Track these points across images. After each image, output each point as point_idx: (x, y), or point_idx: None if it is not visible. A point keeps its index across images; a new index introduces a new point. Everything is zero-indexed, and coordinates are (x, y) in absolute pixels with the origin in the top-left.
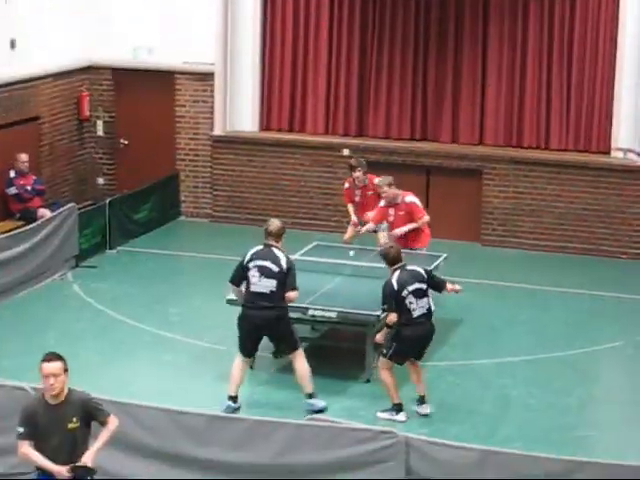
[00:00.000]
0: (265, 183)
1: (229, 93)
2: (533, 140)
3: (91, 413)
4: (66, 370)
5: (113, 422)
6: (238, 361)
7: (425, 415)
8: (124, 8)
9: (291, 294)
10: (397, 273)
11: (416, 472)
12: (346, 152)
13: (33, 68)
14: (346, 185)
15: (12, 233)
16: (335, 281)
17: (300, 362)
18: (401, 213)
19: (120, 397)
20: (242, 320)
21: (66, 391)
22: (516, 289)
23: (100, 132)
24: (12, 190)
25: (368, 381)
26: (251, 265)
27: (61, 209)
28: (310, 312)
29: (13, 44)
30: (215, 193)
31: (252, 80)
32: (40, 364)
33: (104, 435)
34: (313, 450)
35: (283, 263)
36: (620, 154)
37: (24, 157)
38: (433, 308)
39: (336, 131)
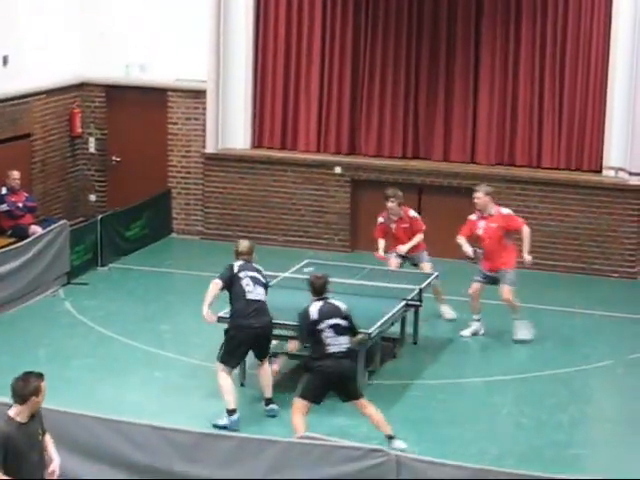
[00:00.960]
0: (257, 200)
1: (221, 111)
2: (525, 159)
3: (42, 423)
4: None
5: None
6: (225, 373)
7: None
8: (117, 25)
9: None
10: (319, 304)
11: None
12: (338, 170)
13: (25, 85)
14: (380, 220)
15: (3, 250)
16: None
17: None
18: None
19: (111, 414)
20: (237, 330)
21: None
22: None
23: (92, 149)
24: (3, 207)
25: None
26: (242, 275)
27: (53, 226)
28: None
29: (5, 60)
30: (207, 210)
31: (244, 98)
32: (40, 383)
33: (51, 444)
34: (303, 468)
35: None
36: (612, 173)
37: (16, 174)
38: (350, 347)
39: (328, 149)
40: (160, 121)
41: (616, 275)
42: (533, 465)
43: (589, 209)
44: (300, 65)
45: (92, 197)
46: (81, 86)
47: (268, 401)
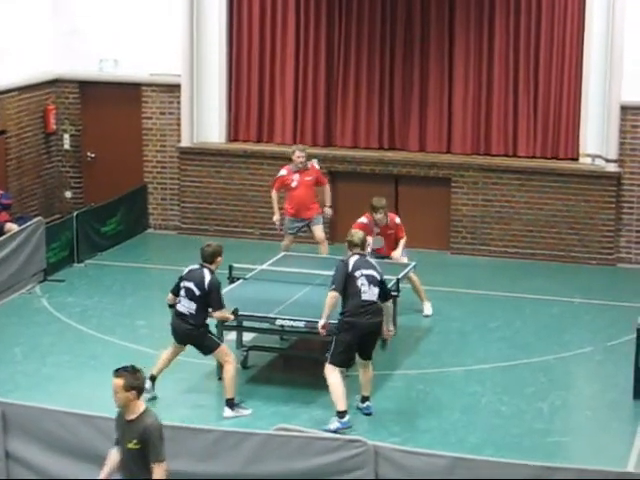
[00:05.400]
0: (233, 194)
1: (196, 104)
2: (501, 148)
3: (147, 445)
4: (132, 388)
5: (156, 474)
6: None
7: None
8: (89, 21)
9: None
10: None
11: None
12: (314, 162)
13: None
14: (364, 220)
15: None
16: (303, 291)
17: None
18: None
19: (87, 410)
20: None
21: (140, 410)
22: (486, 296)
23: (67, 145)
24: None
25: None
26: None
27: (28, 223)
28: (278, 322)
29: None
30: (183, 205)
31: (219, 91)
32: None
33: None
34: (282, 460)
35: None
36: (588, 160)
37: None
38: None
39: (304, 141)
40: (135, 116)
41: (594, 262)
42: (513, 453)
43: (566, 197)
44: (275, 58)
45: (68, 194)
46: (54, 82)
47: (364, 399)
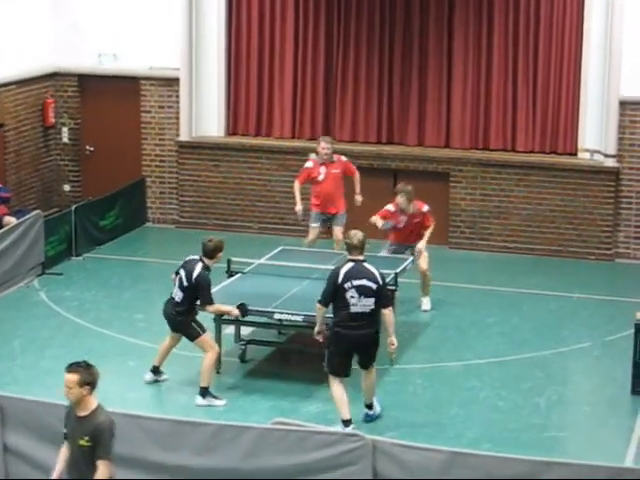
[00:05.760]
0: (231, 188)
1: (195, 98)
2: (500, 142)
3: (97, 442)
4: (86, 384)
5: (101, 472)
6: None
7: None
8: (89, 14)
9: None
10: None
11: (383, 475)
12: (313, 156)
13: None
14: (389, 207)
15: None
16: (302, 285)
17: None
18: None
19: None
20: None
21: (92, 407)
22: (484, 291)
23: (65, 139)
24: None
25: None
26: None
27: (27, 216)
28: (276, 316)
29: None
30: (181, 199)
31: (218, 85)
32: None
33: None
34: (279, 454)
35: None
36: (587, 155)
37: None
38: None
39: (302, 135)
40: (133, 110)
41: (593, 257)
42: (510, 448)
43: (565, 192)
44: (274, 51)
45: (66, 187)
46: (53, 76)
47: (366, 406)
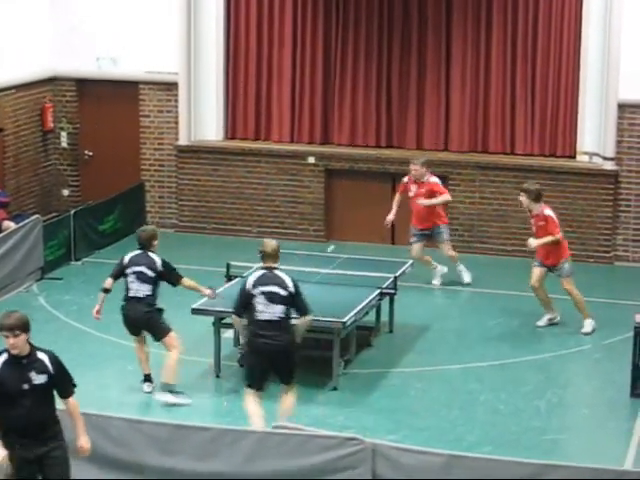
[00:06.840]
0: (231, 192)
1: (193, 102)
2: (498, 145)
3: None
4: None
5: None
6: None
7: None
8: (87, 19)
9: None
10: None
11: (383, 478)
12: (312, 160)
13: None
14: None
15: None
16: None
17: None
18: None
19: (85, 408)
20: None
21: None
22: (483, 294)
23: (64, 143)
24: None
25: (335, 389)
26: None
27: (26, 221)
28: None
29: None
30: (180, 203)
31: (216, 89)
32: None
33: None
34: (280, 458)
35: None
36: (586, 158)
37: None
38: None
39: (301, 139)
40: (132, 114)
41: (592, 260)
42: (510, 451)
43: (564, 194)
44: (272, 55)
45: (65, 192)
46: (52, 80)
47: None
